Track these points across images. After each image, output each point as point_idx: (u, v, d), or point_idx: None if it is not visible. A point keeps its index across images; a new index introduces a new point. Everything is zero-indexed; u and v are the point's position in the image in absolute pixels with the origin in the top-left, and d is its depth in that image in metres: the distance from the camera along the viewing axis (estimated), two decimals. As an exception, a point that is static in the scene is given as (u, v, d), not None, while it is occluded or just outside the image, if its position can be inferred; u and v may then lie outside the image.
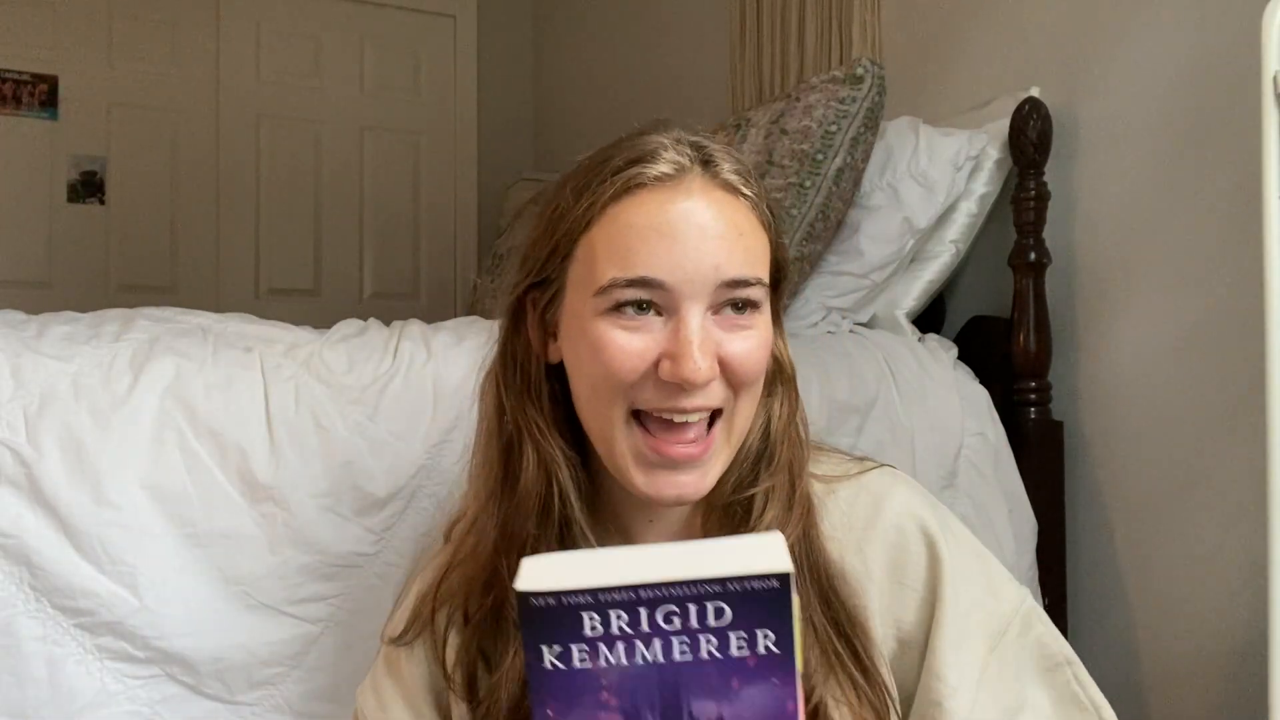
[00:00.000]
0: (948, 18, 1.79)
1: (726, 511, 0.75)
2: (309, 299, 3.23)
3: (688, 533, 0.77)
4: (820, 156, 1.42)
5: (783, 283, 0.77)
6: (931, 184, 1.52)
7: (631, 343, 0.68)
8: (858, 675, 0.70)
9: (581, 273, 0.71)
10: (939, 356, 1.47)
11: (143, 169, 3.09)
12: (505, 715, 0.71)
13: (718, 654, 0.54)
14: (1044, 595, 1.45)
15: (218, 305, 2.98)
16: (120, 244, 3.06)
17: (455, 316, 1.33)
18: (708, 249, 0.68)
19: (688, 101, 2.57)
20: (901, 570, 0.75)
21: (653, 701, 0.55)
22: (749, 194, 0.72)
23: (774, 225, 0.74)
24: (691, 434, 0.69)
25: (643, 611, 0.54)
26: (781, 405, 0.76)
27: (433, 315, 1.34)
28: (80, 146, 3.03)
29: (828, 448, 0.83)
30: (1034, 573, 1.43)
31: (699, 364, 0.66)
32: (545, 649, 0.55)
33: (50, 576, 0.95)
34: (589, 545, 0.73)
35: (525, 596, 0.55)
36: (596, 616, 0.54)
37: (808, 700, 0.68)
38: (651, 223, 0.68)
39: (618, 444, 0.70)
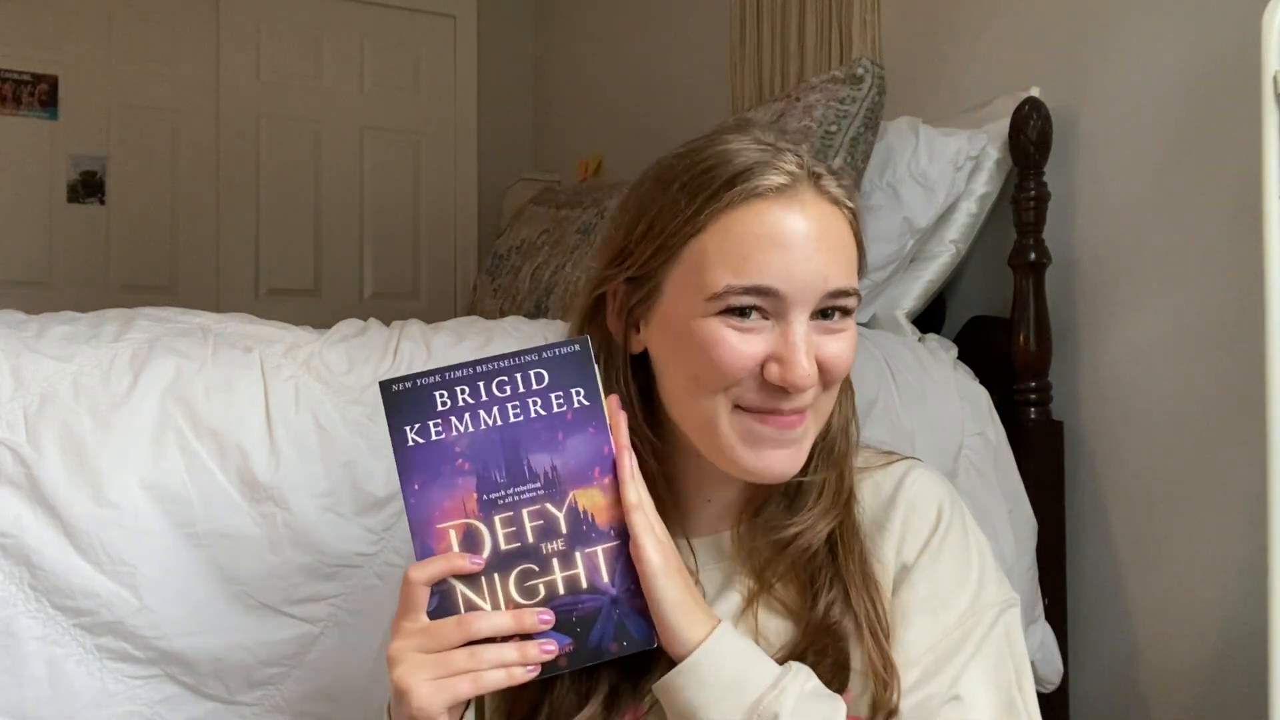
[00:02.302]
0: (948, 18, 1.79)
1: (783, 493, 0.79)
2: (309, 299, 3.23)
3: (739, 515, 0.81)
4: (820, 157, 1.42)
5: (860, 294, 0.81)
6: (931, 184, 1.52)
7: (743, 343, 0.72)
8: (875, 654, 0.74)
9: (688, 275, 0.74)
10: (939, 356, 1.47)
11: (143, 169, 3.09)
12: (534, 689, 0.75)
13: (543, 411, 0.69)
14: (1044, 595, 1.45)
15: (218, 305, 2.98)
16: (120, 244, 3.06)
17: (455, 316, 1.33)
18: (818, 260, 0.72)
19: (688, 101, 2.57)
20: (905, 528, 0.79)
21: (498, 460, 0.69)
22: (851, 206, 0.76)
23: (863, 239, 0.78)
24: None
25: (480, 384, 0.69)
26: (841, 408, 0.81)
27: (433, 315, 1.34)
28: (80, 146, 3.03)
29: (858, 444, 0.86)
30: (1034, 573, 1.43)
31: (806, 369, 0.71)
32: (408, 429, 0.68)
33: (50, 576, 0.95)
34: (672, 519, 0.78)
35: (387, 385, 0.69)
36: (445, 393, 0.69)
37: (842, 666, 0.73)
38: (768, 233, 0.72)
39: (721, 428, 0.74)
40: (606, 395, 0.72)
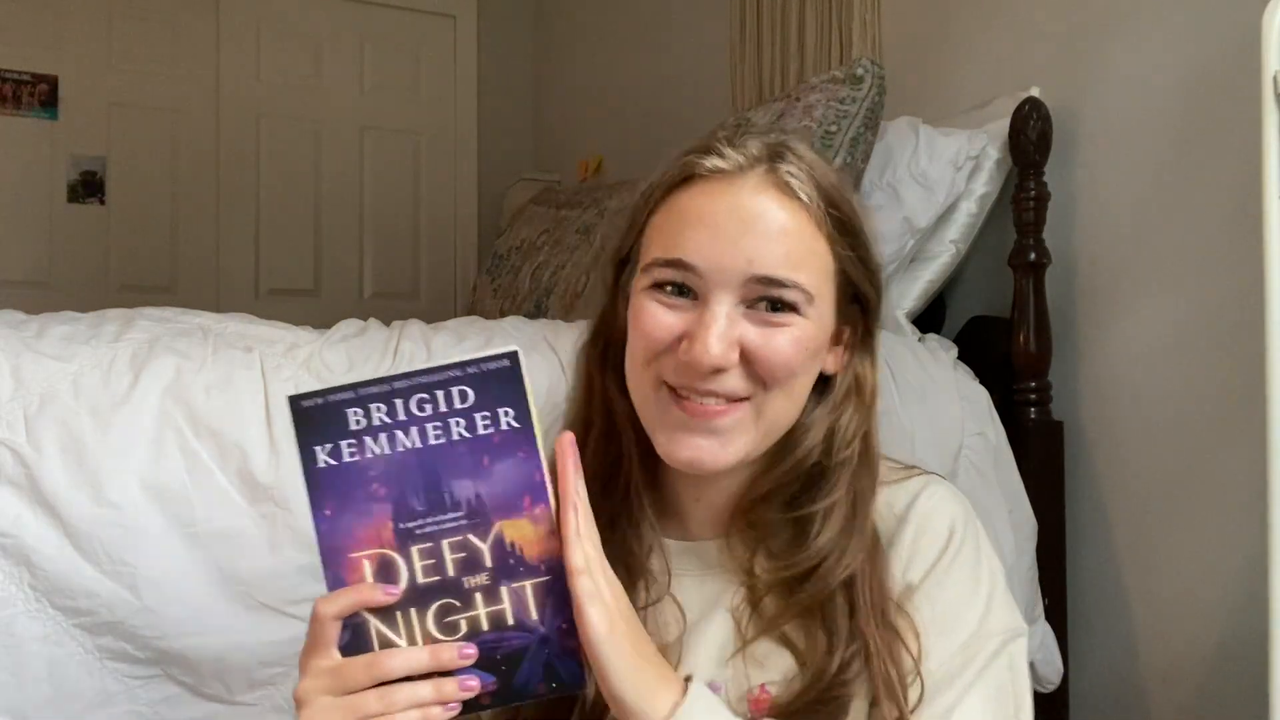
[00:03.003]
0: (948, 18, 1.79)
1: (781, 526, 0.76)
2: (309, 299, 3.23)
3: (729, 524, 0.78)
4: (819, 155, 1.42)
5: (871, 304, 0.79)
6: (931, 184, 1.52)
7: (664, 316, 0.72)
8: (888, 683, 0.71)
9: (643, 250, 0.76)
10: (939, 356, 1.47)
11: (143, 169, 3.09)
12: None
13: (467, 434, 0.62)
14: (1044, 595, 1.45)
15: (218, 305, 2.98)
16: (120, 244, 3.06)
17: (455, 316, 1.33)
18: (744, 243, 0.71)
19: (688, 101, 2.57)
20: (914, 547, 0.76)
21: (416, 486, 0.62)
22: (805, 198, 0.73)
23: (843, 234, 0.75)
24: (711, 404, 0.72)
25: (398, 402, 0.62)
26: (849, 424, 0.77)
27: (433, 315, 1.34)
28: (80, 146, 3.03)
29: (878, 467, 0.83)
30: (1034, 573, 1.43)
31: (710, 348, 0.69)
32: (318, 449, 0.62)
33: (50, 576, 0.95)
34: (649, 517, 0.77)
35: (295, 400, 0.62)
36: (359, 410, 0.62)
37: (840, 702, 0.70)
38: (697, 211, 0.73)
39: (647, 405, 0.74)
40: (561, 430, 0.67)
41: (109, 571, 0.96)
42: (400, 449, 0.62)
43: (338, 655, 0.62)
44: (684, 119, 2.50)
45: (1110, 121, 1.49)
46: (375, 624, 0.62)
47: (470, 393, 0.62)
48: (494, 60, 3.58)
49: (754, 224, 0.71)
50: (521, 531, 0.62)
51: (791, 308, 0.72)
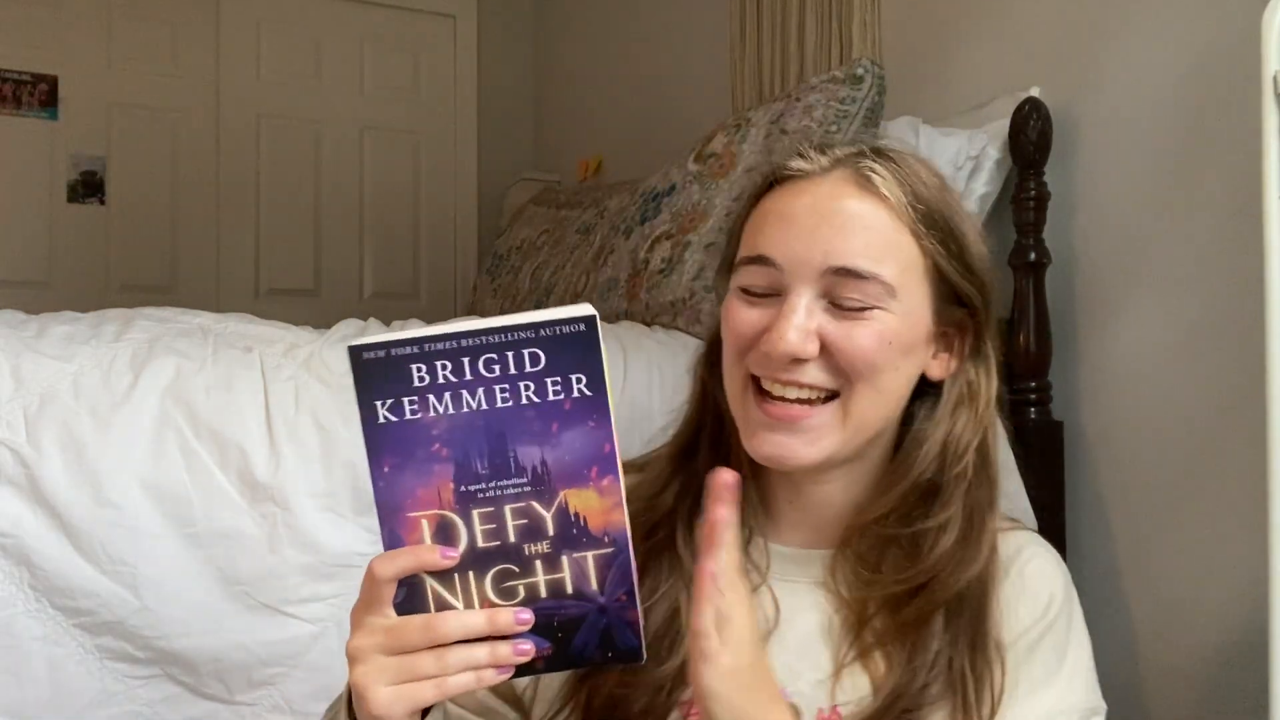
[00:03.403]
0: (948, 18, 1.79)
1: (894, 542, 0.75)
2: (309, 299, 3.23)
3: (838, 539, 0.78)
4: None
5: (981, 310, 0.78)
6: (931, 184, 1.52)
7: (747, 313, 0.74)
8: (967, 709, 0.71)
9: (736, 255, 0.79)
10: (939, 356, 1.47)
11: (143, 169, 3.08)
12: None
13: (536, 399, 0.59)
14: (1044, 595, 1.45)
15: (218, 305, 2.98)
16: (120, 244, 3.05)
17: (455, 316, 1.33)
18: (821, 236, 0.72)
19: (688, 101, 2.57)
20: (1012, 605, 0.75)
21: (480, 449, 0.59)
22: (886, 193, 0.74)
23: (936, 234, 0.75)
24: (794, 405, 0.73)
25: (465, 361, 0.58)
26: (963, 432, 0.77)
27: (433, 315, 1.34)
28: (80, 146, 3.03)
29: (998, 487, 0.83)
30: (1034, 573, 1.43)
31: (787, 337, 0.71)
32: (379, 404, 0.59)
33: (50, 576, 0.95)
34: (755, 515, 0.79)
35: (357, 351, 0.58)
36: (423, 367, 0.58)
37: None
38: (777, 210, 0.75)
39: (736, 403, 0.76)
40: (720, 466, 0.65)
41: (109, 571, 0.96)
42: (465, 409, 0.59)
43: (393, 614, 0.61)
44: (684, 119, 2.50)
45: (1110, 121, 1.49)
46: (432, 584, 0.61)
47: (542, 356, 0.59)
48: (494, 60, 3.58)
49: (831, 218, 0.73)
50: (586, 502, 0.60)
51: (873, 300, 0.72)
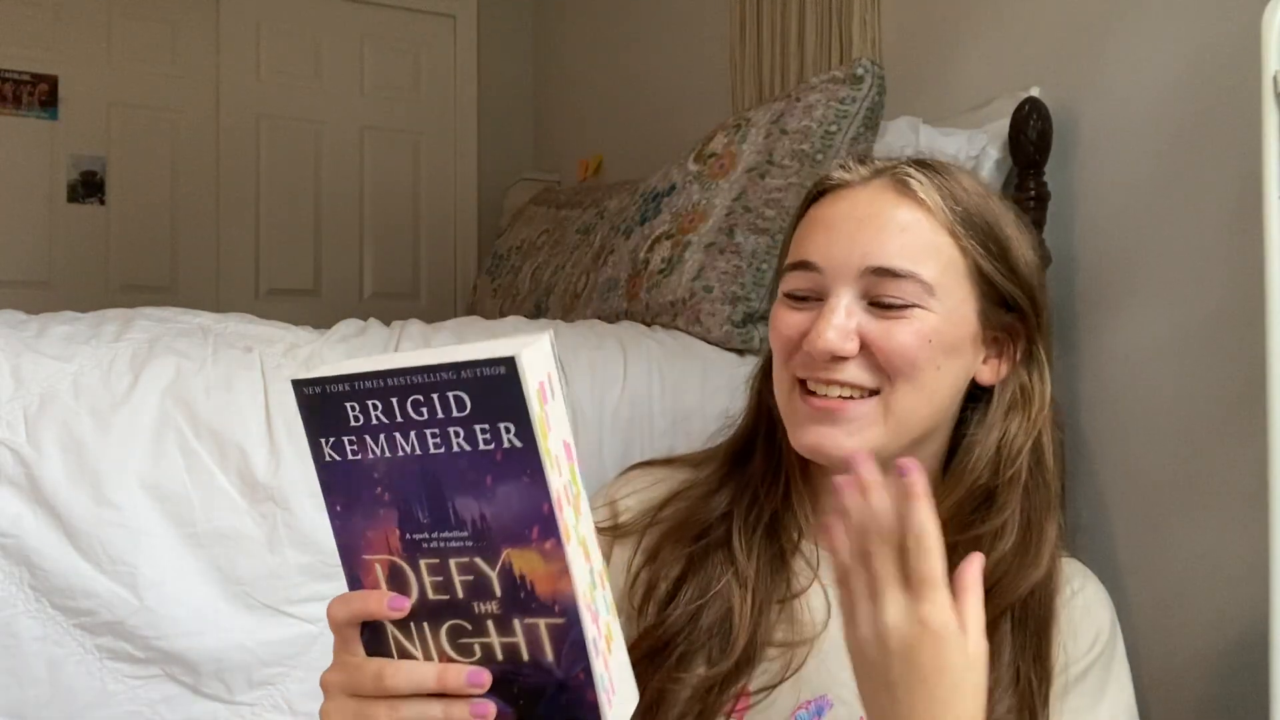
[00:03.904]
0: (948, 18, 1.79)
1: (951, 549, 0.74)
2: (309, 299, 3.23)
3: None
4: (820, 157, 1.42)
5: (1030, 314, 0.80)
6: (931, 184, 1.52)
7: (791, 317, 0.77)
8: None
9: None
10: (939, 356, 1.47)
11: (143, 169, 3.09)
12: (668, 638, 0.76)
13: (467, 446, 0.54)
14: (1044, 595, 1.45)
15: (218, 305, 2.98)
16: (120, 244, 3.06)
17: (455, 316, 1.33)
18: (859, 238, 0.75)
19: (688, 101, 2.57)
20: (1061, 636, 0.77)
21: (420, 496, 0.56)
22: (924, 197, 0.76)
23: (976, 236, 0.76)
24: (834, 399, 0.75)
25: (394, 401, 0.55)
26: (1016, 435, 0.78)
27: (433, 315, 1.34)
28: (80, 146, 3.03)
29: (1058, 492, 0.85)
30: (1034, 573, 1.43)
31: (825, 336, 0.73)
32: (323, 442, 0.56)
33: (50, 576, 0.95)
34: (808, 519, 0.81)
35: (298, 385, 0.56)
36: (356, 405, 0.55)
37: None
38: (819, 217, 0.79)
39: (783, 403, 0.78)
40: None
41: (109, 571, 0.96)
42: (400, 453, 0.56)
43: (360, 652, 0.60)
44: (684, 119, 2.50)
45: (1110, 121, 1.49)
46: (393, 631, 0.59)
47: (467, 400, 0.54)
48: (494, 60, 3.58)
49: (869, 221, 0.75)
50: (531, 564, 0.55)
51: (912, 299, 0.74)
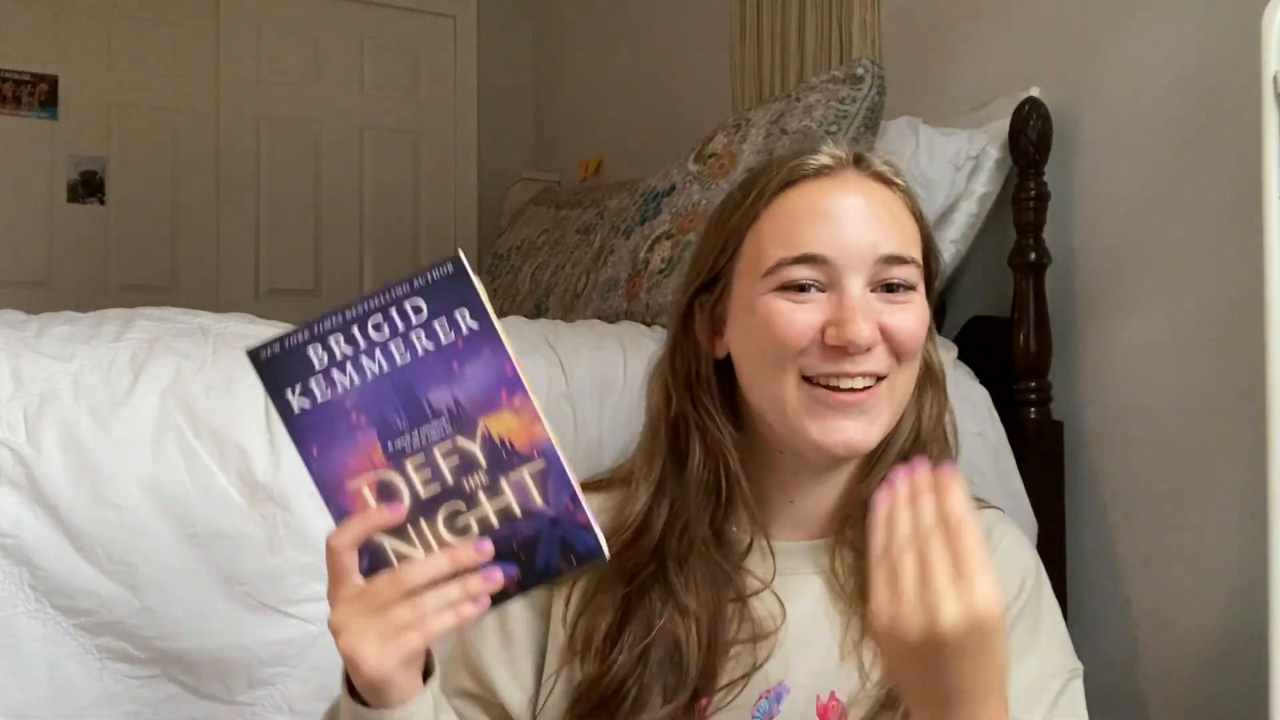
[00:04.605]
0: (948, 18, 1.79)
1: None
2: (309, 299, 3.23)
3: (832, 526, 0.80)
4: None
5: (932, 286, 0.82)
6: (931, 184, 1.52)
7: (798, 313, 0.74)
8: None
9: (749, 262, 0.78)
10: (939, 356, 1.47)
11: (143, 169, 3.08)
12: (617, 683, 0.75)
13: (430, 345, 0.63)
14: (1044, 595, 1.45)
15: (218, 305, 2.98)
16: (120, 244, 3.06)
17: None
18: (865, 228, 0.75)
19: (688, 101, 2.57)
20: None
21: (395, 405, 0.63)
22: (900, 183, 0.79)
23: (923, 217, 0.80)
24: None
25: (355, 330, 0.63)
26: (931, 406, 0.81)
27: (433, 315, 1.34)
28: (80, 146, 3.03)
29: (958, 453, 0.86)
30: (1034, 573, 1.43)
31: (861, 327, 0.72)
32: (290, 394, 0.63)
33: (50, 576, 0.95)
34: (753, 519, 0.79)
35: (255, 354, 0.64)
36: (319, 347, 0.63)
37: None
38: (814, 207, 0.76)
39: (789, 404, 0.75)
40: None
41: (109, 571, 0.95)
42: (370, 375, 0.63)
43: (361, 581, 0.63)
44: (684, 119, 2.50)
45: (1110, 121, 1.49)
46: (390, 543, 0.64)
47: (423, 305, 0.63)
48: (494, 60, 3.58)
49: (871, 209, 0.75)
50: (506, 424, 0.63)
51: (910, 285, 0.76)
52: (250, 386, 1.04)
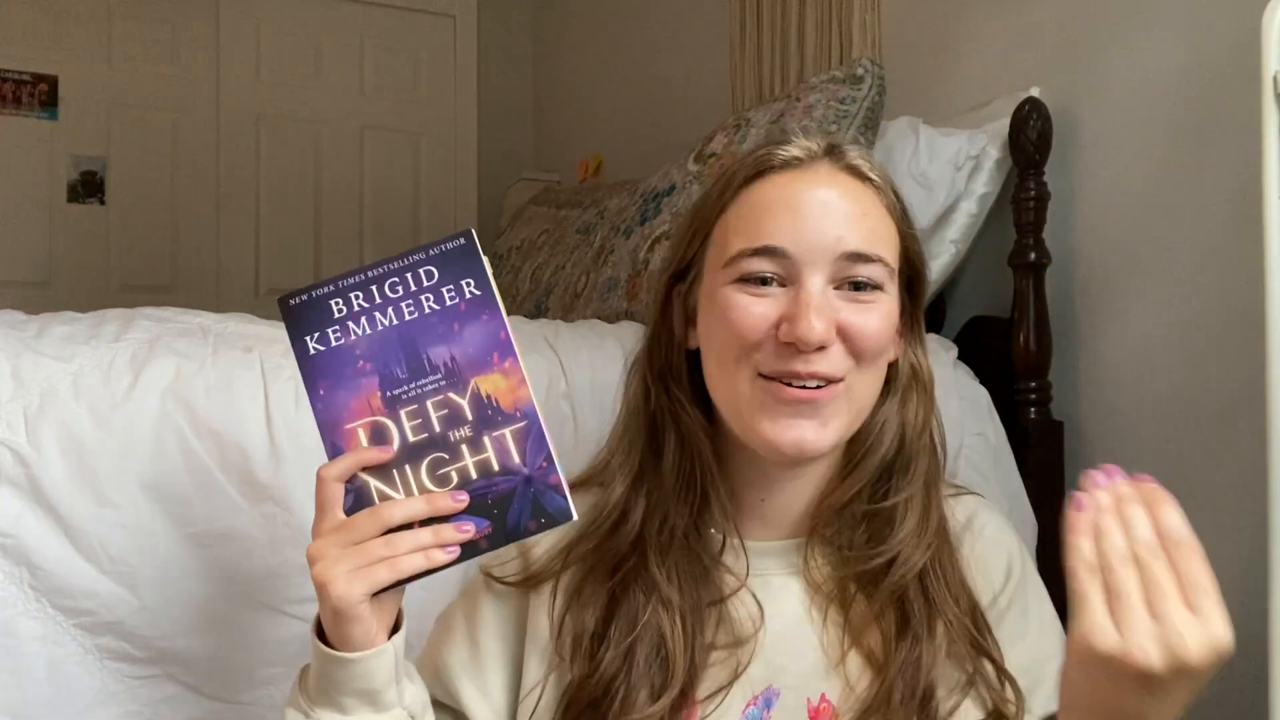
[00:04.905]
0: (948, 18, 1.79)
1: (863, 520, 0.77)
2: (309, 299, 3.23)
3: (807, 526, 0.79)
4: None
5: (919, 285, 0.80)
6: (931, 184, 1.52)
7: (755, 305, 0.73)
8: (994, 681, 0.74)
9: (715, 252, 0.77)
10: (939, 356, 1.47)
11: (143, 169, 3.09)
12: (606, 682, 0.74)
13: (436, 305, 0.71)
14: (1044, 595, 1.45)
15: (218, 305, 2.98)
16: (120, 244, 3.06)
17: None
18: (830, 222, 0.73)
19: (688, 101, 2.57)
20: (973, 572, 0.79)
21: (398, 357, 0.71)
22: (874, 178, 0.76)
23: (904, 217, 0.78)
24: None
25: (374, 288, 0.72)
26: (917, 413, 0.79)
27: (433, 315, 1.34)
28: (80, 146, 3.03)
29: (945, 462, 0.85)
30: (1034, 573, 1.43)
31: (814, 324, 0.70)
32: (308, 339, 0.71)
33: (50, 576, 0.95)
34: (726, 516, 0.78)
35: (285, 300, 0.72)
36: (340, 301, 0.72)
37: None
38: (778, 198, 0.74)
39: (742, 398, 0.74)
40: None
41: (109, 571, 0.95)
42: (380, 327, 0.71)
43: (342, 514, 0.68)
44: (684, 119, 2.50)
45: (1110, 121, 1.49)
46: (374, 484, 0.69)
47: (435, 271, 0.72)
48: (494, 60, 3.58)
49: (837, 204, 0.73)
50: (495, 384, 0.70)
51: (876, 285, 0.73)
52: (250, 386, 1.04)
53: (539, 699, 0.76)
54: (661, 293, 0.82)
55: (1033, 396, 1.50)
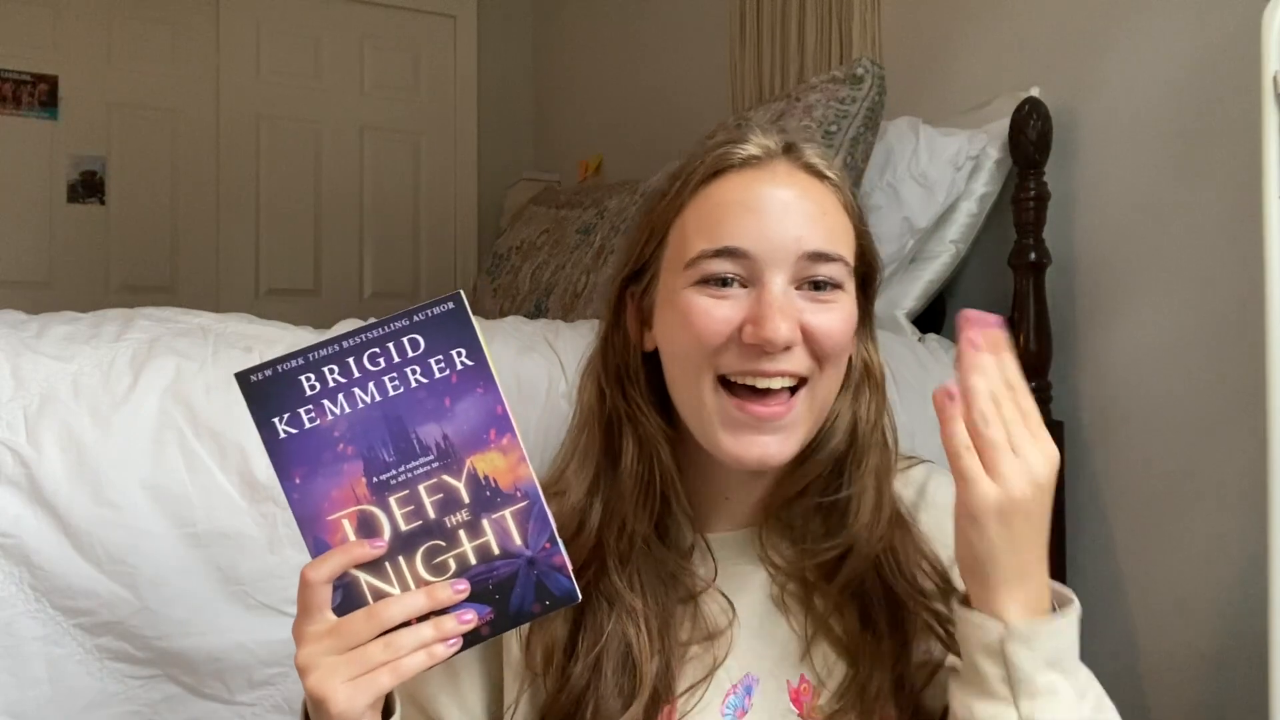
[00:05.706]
0: (948, 18, 1.79)
1: (817, 512, 0.78)
2: (309, 299, 3.23)
3: (761, 517, 0.80)
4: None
5: (872, 282, 0.80)
6: (931, 184, 1.52)
7: (717, 309, 0.71)
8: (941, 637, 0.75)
9: (673, 253, 0.75)
10: (939, 356, 1.47)
11: (143, 169, 3.09)
12: (576, 695, 0.73)
13: (424, 379, 0.63)
14: (1044, 595, 1.45)
15: (218, 305, 2.98)
16: (120, 244, 3.06)
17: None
18: (790, 222, 0.72)
19: (688, 101, 2.57)
20: (935, 532, 0.79)
21: (383, 438, 0.63)
22: (832, 176, 0.76)
23: (860, 215, 0.78)
24: (776, 398, 0.72)
25: (350, 361, 0.63)
26: (869, 407, 0.79)
27: (433, 315, 1.34)
28: (80, 146, 3.03)
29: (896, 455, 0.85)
30: (1034, 573, 1.43)
31: (779, 325, 0.69)
32: (276, 421, 0.62)
33: (50, 576, 0.95)
34: (688, 519, 0.78)
35: (244, 376, 0.62)
36: (312, 376, 0.63)
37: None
38: (738, 198, 0.73)
39: (705, 409, 0.73)
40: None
41: (109, 571, 0.96)
42: (360, 405, 0.63)
43: (333, 617, 0.62)
44: (684, 119, 2.50)
45: (1110, 121, 1.49)
46: (366, 579, 0.63)
47: (420, 340, 0.63)
48: (494, 60, 3.58)
49: (797, 203, 0.73)
50: (493, 463, 0.63)
51: (836, 284, 0.73)
52: (250, 386, 1.04)
53: (514, 714, 0.76)
54: (615, 295, 0.80)
55: (1033, 396, 1.50)
